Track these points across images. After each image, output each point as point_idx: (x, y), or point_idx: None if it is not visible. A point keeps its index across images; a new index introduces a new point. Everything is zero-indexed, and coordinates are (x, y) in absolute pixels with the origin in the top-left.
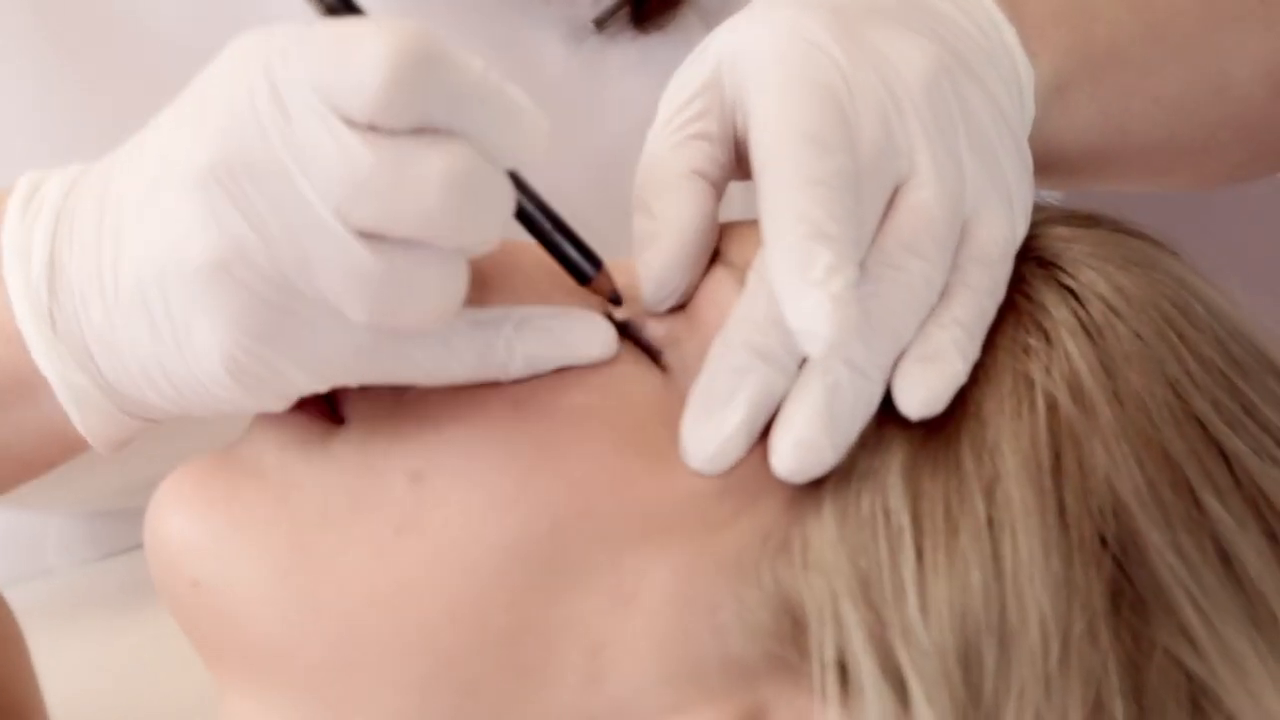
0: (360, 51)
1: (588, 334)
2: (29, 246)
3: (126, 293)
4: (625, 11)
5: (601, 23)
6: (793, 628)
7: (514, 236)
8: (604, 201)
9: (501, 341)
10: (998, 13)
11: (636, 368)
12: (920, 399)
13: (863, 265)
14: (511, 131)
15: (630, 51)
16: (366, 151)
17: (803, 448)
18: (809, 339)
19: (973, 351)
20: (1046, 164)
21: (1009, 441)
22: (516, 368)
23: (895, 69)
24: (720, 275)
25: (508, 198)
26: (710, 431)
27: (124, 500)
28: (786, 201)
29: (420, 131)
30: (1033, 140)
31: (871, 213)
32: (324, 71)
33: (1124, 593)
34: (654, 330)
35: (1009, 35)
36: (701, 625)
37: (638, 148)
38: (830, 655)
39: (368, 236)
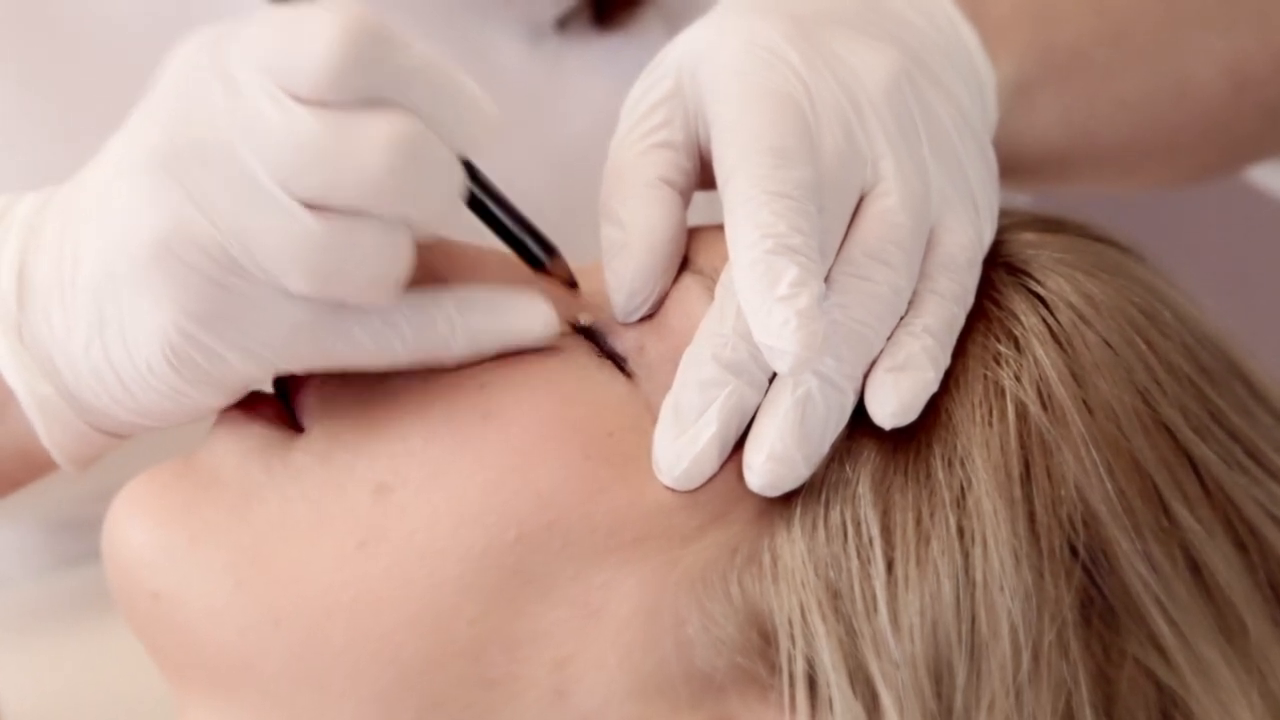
0: (308, 28)
1: (529, 312)
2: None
3: (82, 290)
4: (586, 11)
5: (562, 23)
6: (761, 641)
7: (463, 223)
8: (565, 201)
9: (443, 317)
10: (957, 14)
11: (602, 375)
12: (893, 409)
13: (830, 276)
14: (459, 112)
15: (591, 52)
16: (311, 120)
17: (775, 461)
18: (777, 356)
19: (944, 359)
20: (1011, 166)
21: (979, 450)
22: (459, 345)
23: (855, 74)
24: (689, 283)
25: (454, 172)
26: (683, 447)
27: (84, 508)
28: (750, 215)
29: (365, 103)
30: (997, 142)
31: (837, 222)
32: (272, 49)
33: (1094, 603)
34: (620, 338)
35: (969, 36)
36: (668, 639)
37: (599, 148)
38: (800, 668)
39: (311, 207)
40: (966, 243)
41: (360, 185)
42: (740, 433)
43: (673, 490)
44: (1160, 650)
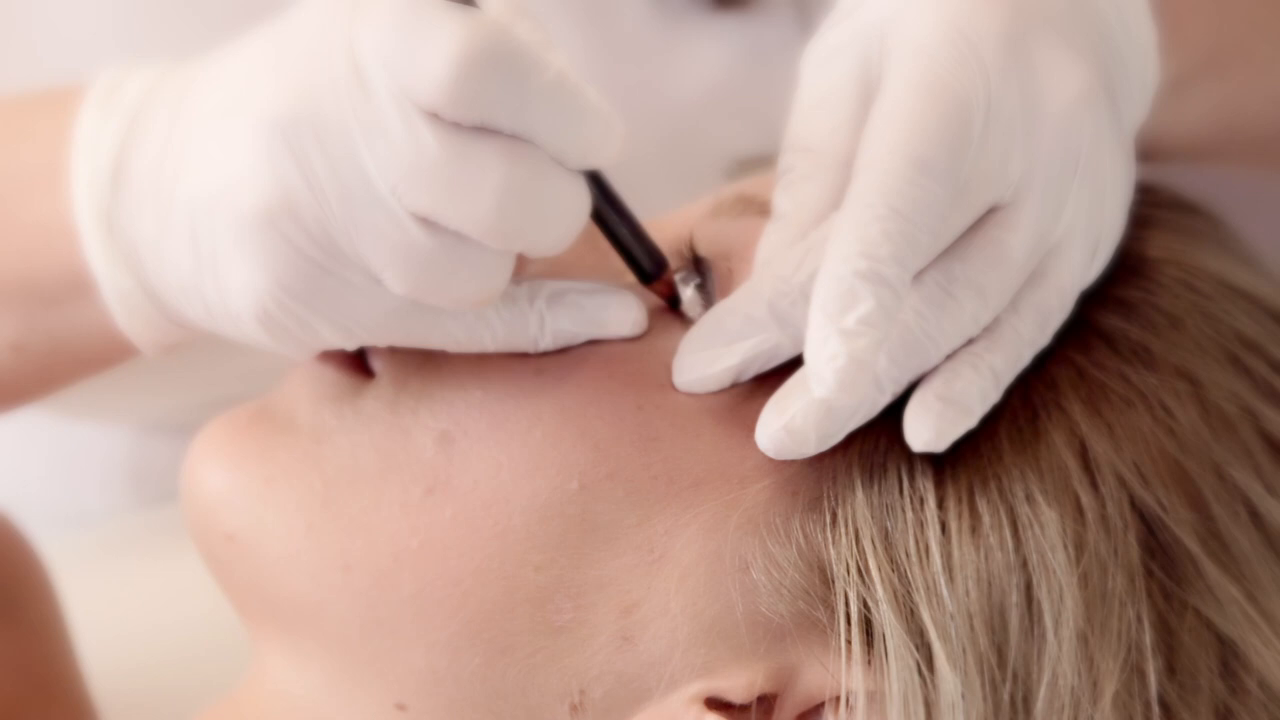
0: (434, 40)
1: (620, 313)
2: (99, 144)
3: (179, 211)
4: None
5: None
6: (823, 586)
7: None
8: (662, 160)
9: (534, 316)
10: (1146, 9)
11: (661, 322)
12: (928, 438)
13: (924, 273)
14: (582, 135)
15: (716, 21)
16: (433, 141)
17: (789, 433)
18: (815, 380)
19: (994, 400)
20: (1150, 153)
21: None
22: (546, 343)
23: (1040, 92)
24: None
25: (575, 207)
26: (700, 361)
27: (183, 416)
28: (861, 224)
29: (484, 130)
30: (1141, 132)
31: (952, 230)
32: (398, 54)
33: (1155, 554)
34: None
35: (1151, 37)
36: (732, 583)
37: (705, 115)
38: (855, 612)
39: (421, 218)
40: (1068, 285)
41: (470, 222)
42: (762, 372)
43: (728, 434)
44: (1219, 601)
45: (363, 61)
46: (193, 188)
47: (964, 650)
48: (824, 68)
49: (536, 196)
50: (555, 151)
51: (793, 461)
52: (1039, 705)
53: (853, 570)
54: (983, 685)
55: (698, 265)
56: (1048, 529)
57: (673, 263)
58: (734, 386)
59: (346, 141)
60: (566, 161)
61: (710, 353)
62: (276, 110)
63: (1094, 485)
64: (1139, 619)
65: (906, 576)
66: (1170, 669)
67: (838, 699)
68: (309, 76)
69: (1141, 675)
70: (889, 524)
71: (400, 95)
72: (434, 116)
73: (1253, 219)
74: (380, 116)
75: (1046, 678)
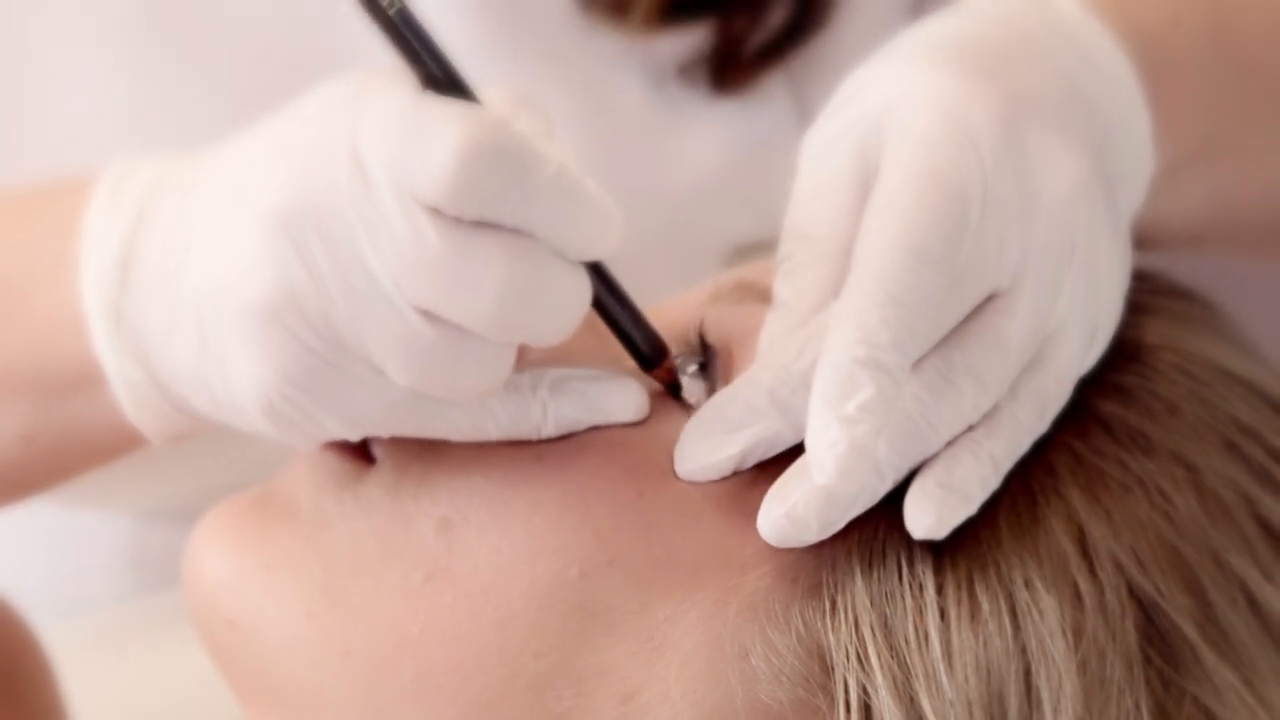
0: (436, 138)
1: (621, 399)
2: (107, 235)
3: (185, 304)
4: (705, 70)
5: (683, 70)
6: (822, 673)
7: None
8: (661, 246)
9: (537, 405)
10: (1140, 99)
11: (662, 408)
12: (928, 524)
13: (923, 361)
14: (582, 228)
15: (713, 106)
16: (435, 237)
17: (791, 521)
18: (818, 469)
19: (994, 486)
20: (1146, 239)
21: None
22: (549, 430)
23: (1037, 181)
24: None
25: (576, 299)
26: (701, 451)
27: (185, 502)
28: (860, 311)
29: (485, 225)
30: (1136, 219)
31: (950, 317)
32: (400, 151)
33: (1153, 641)
34: (689, 385)
35: (1146, 126)
36: (732, 671)
37: (704, 202)
38: (855, 699)
39: (423, 311)
40: (1066, 372)
41: (472, 316)
42: (764, 459)
43: (727, 521)
44: (1217, 688)
45: (365, 157)
46: (198, 280)
47: None
48: (822, 156)
49: (538, 290)
50: (556, 245)
51: (792, 548)
52: None
53: (852, 657)
54: None
55: (705, 351)
56: (1046, 615)
57: (674, 349)
58: (735, 474)
59: (349, 236)
60: (567, 254)
61: (712, 441)
62: (279, 204)
63: (1092, 572)
64: (1137, 706)
65: (906, 663)
66: None
67: None
68: (311, 170)
69: None
70: (888, 611)
71: (402, 191)
72: (436, 212)
73: (1248, 306)
74: (382, 211)
75: None
